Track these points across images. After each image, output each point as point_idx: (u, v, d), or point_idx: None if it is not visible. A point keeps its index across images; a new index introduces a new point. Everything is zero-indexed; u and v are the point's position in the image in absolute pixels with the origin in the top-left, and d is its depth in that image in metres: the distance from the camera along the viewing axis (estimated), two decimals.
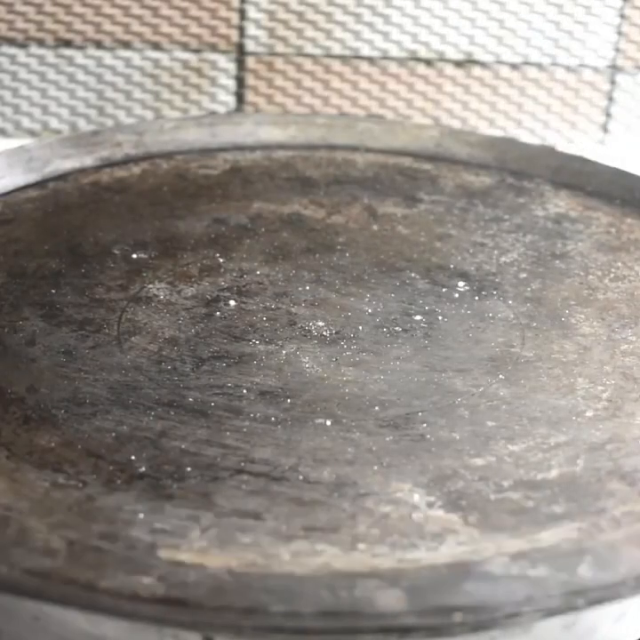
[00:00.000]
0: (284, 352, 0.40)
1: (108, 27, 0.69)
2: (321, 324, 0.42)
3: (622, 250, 0.49)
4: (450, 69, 0.70)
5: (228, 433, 0.35)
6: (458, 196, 0.53)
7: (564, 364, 0.40)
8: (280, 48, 0.70)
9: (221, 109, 0.71)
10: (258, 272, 0.45)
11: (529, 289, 0.45)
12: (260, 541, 0.30)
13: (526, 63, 0.70)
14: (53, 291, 0.43)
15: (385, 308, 0.43)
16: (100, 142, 0.56)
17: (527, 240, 0.49)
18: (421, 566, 0.30)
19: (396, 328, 0.42)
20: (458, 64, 0.70)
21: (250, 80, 0.70)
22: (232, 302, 0.43)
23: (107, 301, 0.43)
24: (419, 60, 0.70)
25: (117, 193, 0.52)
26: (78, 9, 0.68)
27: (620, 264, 0.47)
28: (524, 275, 0.46)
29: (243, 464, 0.34)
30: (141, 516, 0.31)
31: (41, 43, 0.69)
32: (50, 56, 0.69)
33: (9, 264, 0.45)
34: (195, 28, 0.69)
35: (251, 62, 0.70)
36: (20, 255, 0.46)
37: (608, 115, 0.72)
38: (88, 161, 0.55)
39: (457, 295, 0.44)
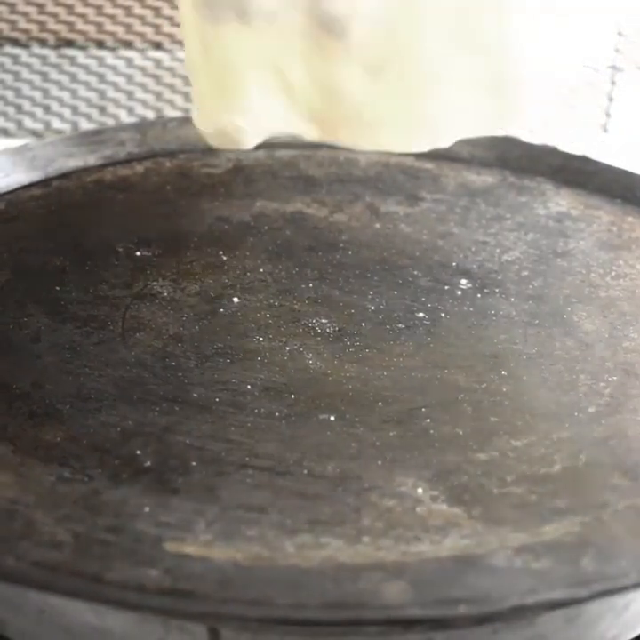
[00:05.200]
0: (287, 349, 0.40)
1: (109, 27, 0.69)
2: (324, 320, 0.42)
3: (623, 248, 0.49)
4: None
5: (232, 428, 0.35)
6: (460, 195, 0.54)
7: (566, 360, 0.40)
8: None
9: None
10: (261, 270, 0.46)
11: (531, 287, 0.45)
12: (264, 534, 0.30)
13: None
14: (58, 288, 0.43)
15: (388, 306, 0.43)
16: (103, 141, 0.56)
17: (529, 238, 0.50)
18: (425, 559, 0.30)
19: (399, 325, 0.42)
20: None
21: None
22: (235, 299, 0.43)
23: (111, 298, 0.43)
24: None
25: (121, 191, 0.52)
26: (80, 9, 0.68)
27: (621, 262, 0.48)
28: (525, 272, 0.46)
29: (247, 458, 0.34)
30: (147, 509, 0.31)
31: (43, 43, 0.69)
32: (52, 56, 0.69)
33: (13, 261, 0.45)
34: None
35: None
36: (24, 253, 0.46)
37: (608, 115, 0.72)
38: (91, 159, 0.55)
39: (459, 293, 0.45)
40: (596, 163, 0.56)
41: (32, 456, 0.34)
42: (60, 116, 0.70)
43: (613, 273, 0.47)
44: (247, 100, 0.44)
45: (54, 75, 0.70)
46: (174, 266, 0.45)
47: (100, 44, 0.69)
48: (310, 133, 0.45)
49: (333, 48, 0.42)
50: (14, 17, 0.68)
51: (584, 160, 0.56)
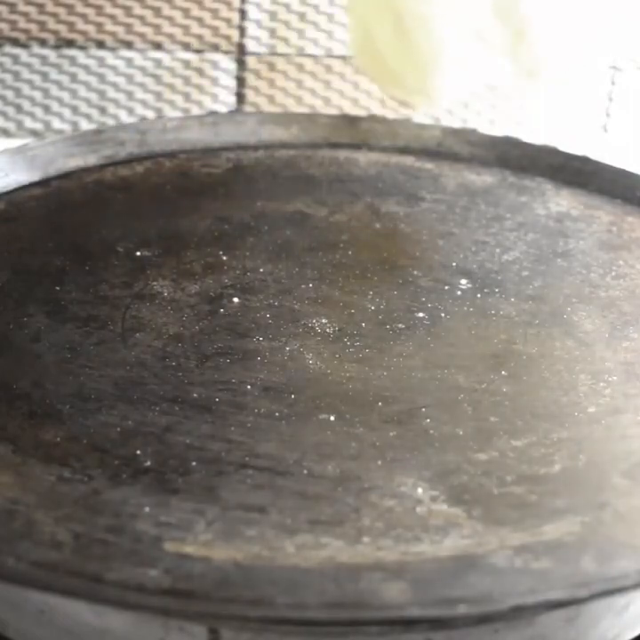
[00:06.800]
0: (287, 349, 0.40)
1: (110, 27, 0.69)
2: (324, 320, 0.42)
3: (623, 248, 0.49)
4: None
5: (232, 428, 0.35)
6: (460, 195, 0.54)
7: (566, 360, 0.40)
8: (281, 48, 0.70)
9: (222, 110, 0.71)
10: (261, 270, 0.46)
11: (531, 287, 0.45)
12: (264, 534, 0.30)
13: None
14: (58, 288, 0.43)
15: (388, 306, 0.43)
16: (103, 141, 0.56)
17: (529, 238, 0.50)
18: (425, 559, 0.30)
19: (399, 325, 0.42)
20: None
21: (251, 80, 0.71)
22: (236, 299, 0.43)
23: (111, 298, 0.43)
24: None
25: (121, 191, 0.52)
26: (80, 9, 0.68)
27: (621, 262, 0.48)
28: (525, 273, 0.46)
29: (247, 458, 0.34)
30: (147, 509, 0.31)
31: (43, 43, 0.69)
32: (52, 56, 0.69)
33: (13, 261, 0.45)
34: (196, 29, 0.69)
35: (252, 62, 0.70)
36: (24, 253, 0.46)
37: (608, 115, 0.72)
38: (92, 159, 0.55)
39: (459, 293, 0.45)
40: (596, 163, 0.56)
41: (32, 456, 0.33)
42: (60, 116, 0.70)
43: (613, 273, 0.47)
44: (447, 59, 0.45)
45: (54, 75, 0.70)
46: (174, 266, 0.45)
47: (100, 44, 0.69)
48: (507, 81, 0.45)
49: None
50: (14, 17, 0.68)
51: (584, 160, 0.56)
